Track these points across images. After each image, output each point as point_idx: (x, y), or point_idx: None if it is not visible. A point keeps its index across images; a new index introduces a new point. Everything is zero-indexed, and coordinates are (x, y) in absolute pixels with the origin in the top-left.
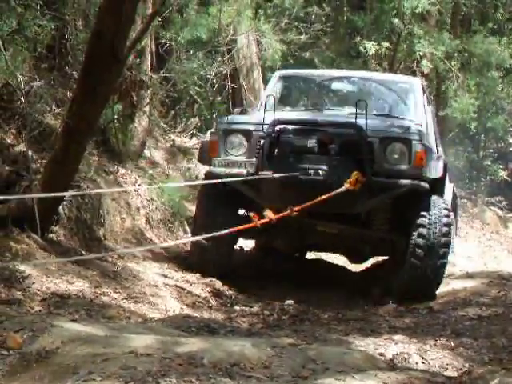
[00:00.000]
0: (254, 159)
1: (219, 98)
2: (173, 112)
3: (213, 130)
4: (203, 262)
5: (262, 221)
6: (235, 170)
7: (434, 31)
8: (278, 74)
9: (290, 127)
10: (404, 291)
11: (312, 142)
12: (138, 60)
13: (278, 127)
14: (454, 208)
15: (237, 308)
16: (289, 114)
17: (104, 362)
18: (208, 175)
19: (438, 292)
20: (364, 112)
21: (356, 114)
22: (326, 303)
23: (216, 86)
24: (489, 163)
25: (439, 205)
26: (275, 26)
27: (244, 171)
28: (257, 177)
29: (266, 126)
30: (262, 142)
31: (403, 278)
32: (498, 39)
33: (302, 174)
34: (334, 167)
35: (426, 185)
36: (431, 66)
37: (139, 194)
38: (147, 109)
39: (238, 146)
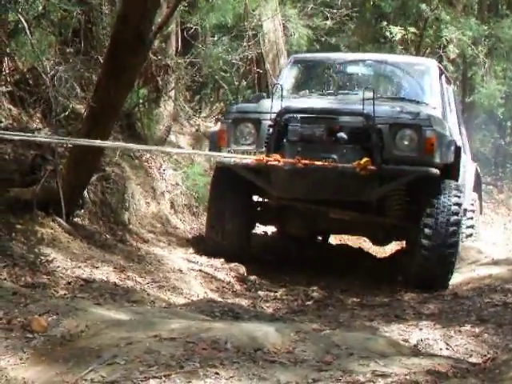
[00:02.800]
0: (264, 148)
1: (244, 83)
2: (198, 97)
3: (222, 119)
4: (219, 247)
5: (269, 159)
6: (245, 159)
7: (460, 16)
8: (292, 58)
9: (297, 116)
10: (416, 281)
11: (320, 131)
12: (164, 44)
13: (285, 116)
14: (477, 187)
15: (261, 293)
16: (298, 101)
17: (128, 346)
18: (218, 165)
19: (463, 278)
20: (378, 97)
21: (363, 100)
22: (350, 289)
23: (241, 71)
24: None
25: (449, 192)
26: (301, 11)
27: (249, 160)
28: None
29: (274, 115)
30: (271, 130)
31: (414, 268)
32: None
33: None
34: (344, 155)
35: (437, 171)
36: (458, 52)
37: (164, 179)
38: (172, 93)
39: (248, 135)
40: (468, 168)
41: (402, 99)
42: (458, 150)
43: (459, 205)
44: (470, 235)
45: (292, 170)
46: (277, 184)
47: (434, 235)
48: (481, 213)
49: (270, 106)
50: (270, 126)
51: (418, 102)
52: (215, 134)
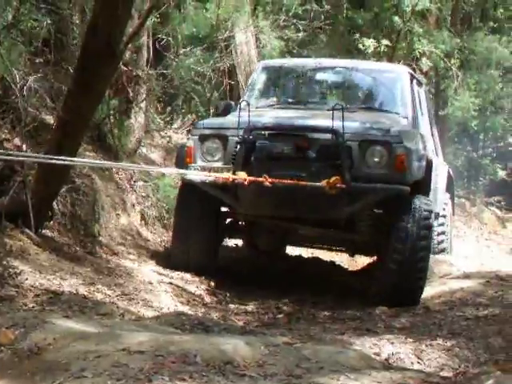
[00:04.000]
0: (231, 165)
1: (216, 95)
2: (169, 108)
3: (189, 135)
4: (184, 262)
5: (235, 176)
6: (211, 177)
7: (433, 29)
8: (261, 64)
9: (265, 132)
10: (387, 296)
11: (289, 148)
12: (135, 55)
13: (253, 133)
14: (449, 188)
15: (231, 306)
16: (266, 115)
17: (96, 359)
18: (184, 181)
19: (434, 291)
20: (347, 107)
21: (333, 114)
22: (322, 302)
23: (213, 82)
24: (488, 162)
25: (420, 208)
26: (274, 22)
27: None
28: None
29: (241, 131)
30: (238, 147)
31: (384, 284)
32: (498, 37)
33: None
34: (313, 173)
35: (407, 188)
36: (431, 64)
37: (134, 191)
38: (143, 105)
39: (215, 152)
40: (440, 170)
41: (373, 109)
42: (429, 165)
43: (428, 219)
44: (443, 250)
45: (259, 187)
46: (244, 201)
47: (403, 251)
48: (453, 213)
49: (238, 122)
50: (237, 142)
51: (388, 112)
52: (182, 150)
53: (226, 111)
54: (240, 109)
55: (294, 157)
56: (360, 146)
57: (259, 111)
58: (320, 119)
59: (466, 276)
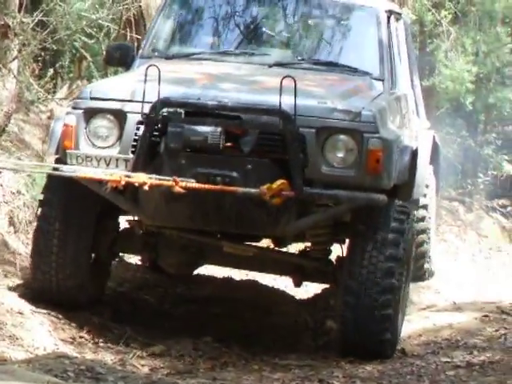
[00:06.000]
0: (131, 155)
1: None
2: (51, 71)
3: (68, 108)
4: (47, 287)
5: (130, 180)
6: (100, 171)
7: None
8: None
9: (181, 111)
10: (343, 346)
11: (215, 135)
12: None
13: (164, 110)
14: (434, 159)
15: (133, 346)
16: (183, 77)
17: None
18: (54, 176)
19: (412, 329)
20: (300, 60)
21: (281, 89)
22: (258, 342)
23: (113, 36)
24: (490, 153)
25: (392, 220)
26: None
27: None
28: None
29: (147, 107)
30: (141, 130)
31: (338, 326)
32: None
33: (199, 181)
34: (248, 173)
35: (384, 198)
36: (414, 17)
37: (0, 185)
38: (14, 65)
39: (107, 134)
40: (422, 136)
41: (335, 67)
42: (414, 159)
43: (398, 245)
44: (422, 256)
45: (169, 190)
46: (147, 208)
47: (358, 290)
48: (437, 194)
49: (143, 92)
50: (140, 122)
51: (357, 72)
52: (57, 129)
53: (123, 61)
54: (145, 75)
55: (223, 149)
56: (318, 136)
57: (172, 70)
58: (262, 93)
59: (457, 308)
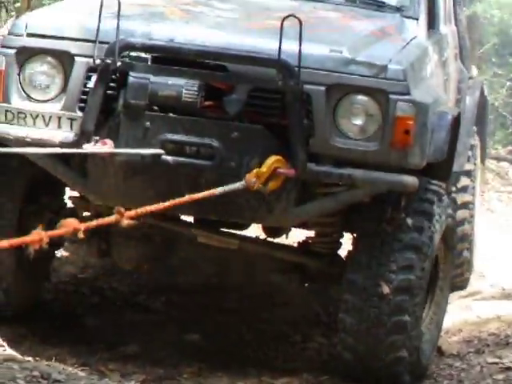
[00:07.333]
0: (79, 113)
1: None
2: None
3: None
4: None
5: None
6: (39, 132)
7: None
8: None
9: (147, 56)
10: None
11: (191, 91)
12: None
13: (124, 54)
14: (480, 122)
15: (99, 346)
16: (149, 14)
17: None
18: None
19: (451, 322)
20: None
21: (281, 30)
22: (256, 340)
23: None
24: None
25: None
26: None
27: (59, 136)
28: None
29: (102, 49)
30: (93, 79)
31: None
32: None
33: (168, 151)
34: (234, 142)
35: (415, 181)
36: None
37: None
38: None
39: (47, 84)
40: (466, 90)
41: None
42: (455, 128)
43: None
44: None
45: (128, 161)
46: (98, 183)
47: (360, 309)
48: (482, 162)
49: (97, 28)
50: (91, 69)
51: (383, 7)
52: None
53: None
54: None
55: (201, 109)
56: (328, 96)
57: (136, 1)
58: (256, 35)
59: (506, 295)
